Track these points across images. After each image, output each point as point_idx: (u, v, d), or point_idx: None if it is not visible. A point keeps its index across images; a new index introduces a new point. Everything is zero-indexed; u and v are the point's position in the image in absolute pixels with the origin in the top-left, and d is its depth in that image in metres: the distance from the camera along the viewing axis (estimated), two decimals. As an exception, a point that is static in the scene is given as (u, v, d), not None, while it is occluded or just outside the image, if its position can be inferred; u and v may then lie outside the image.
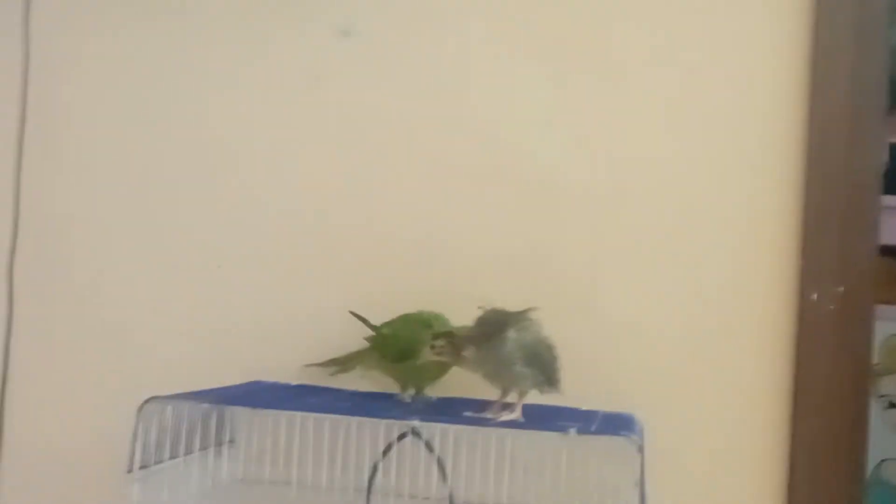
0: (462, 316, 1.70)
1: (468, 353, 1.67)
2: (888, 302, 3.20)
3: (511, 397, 1.69)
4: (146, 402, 1.60)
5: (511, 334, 1.65)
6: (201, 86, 2.03)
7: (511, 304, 1.68)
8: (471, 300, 1.68)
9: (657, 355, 1.89)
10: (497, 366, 1.66)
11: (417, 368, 1.77)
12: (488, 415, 1.65)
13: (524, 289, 1.87)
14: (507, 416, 1.64)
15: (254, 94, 2.01)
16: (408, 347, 1.75)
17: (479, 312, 1.68)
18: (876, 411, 3.19)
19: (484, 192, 1.94)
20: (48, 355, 2.04)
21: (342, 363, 1.86)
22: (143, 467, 1.60)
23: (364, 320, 1.83)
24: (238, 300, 1.99)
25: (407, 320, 1.81)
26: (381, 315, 1.85)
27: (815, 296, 1.84)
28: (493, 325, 1.66)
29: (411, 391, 1.80)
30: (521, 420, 1.64)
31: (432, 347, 1.69)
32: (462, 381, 1.75)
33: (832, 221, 1.84)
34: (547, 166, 1.93)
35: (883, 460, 3.24)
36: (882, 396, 3.24)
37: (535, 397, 1.69)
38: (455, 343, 1.69)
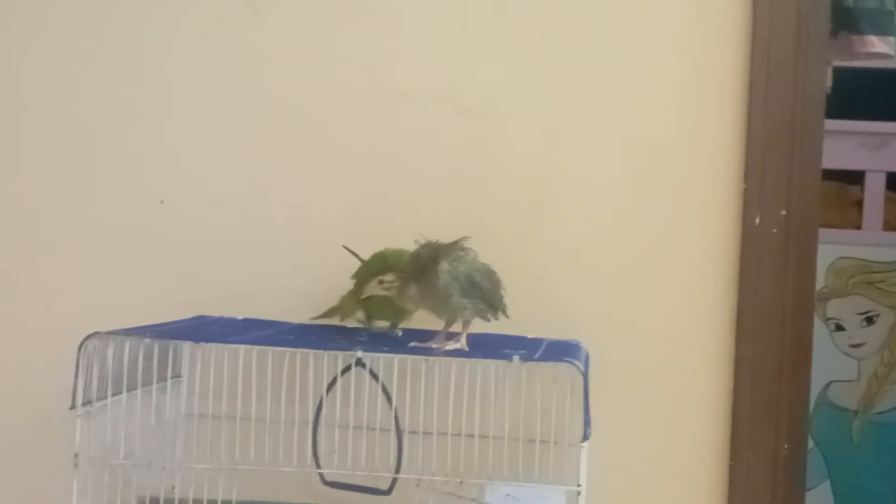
0: (407, 243, 1.69)
1: (410, 289, 1.66)
2: (835, 225, 3.23)
3: (456, 327, 1.69)
4: (87, 337, 1.59)
5: (444, 266, 1.64)
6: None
7: (454, 232, 1.67)
8: (413, 229, 1.67)
9: (601, 281, 1.89)
10: (435, 299, 1.66)
11: (379, 305, 1.76)
12: (433, 345, 1.65)
13: (468, 216, 1.86)
14: (451, 346, 1.64)
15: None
16: (362, 284, 1.74)
17: (415, 246, 1.68)
18: (824, 334, 3.23)
19: (430, 115, 1.92)
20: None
21: (340, 309, 1.84)
22: (86, 404, 1.59)
23: (356, 255, 1.81)
24: (181, 235, 1.97)
25: (373, 258, 1.80)
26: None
27: (757, 219, 1.84)
28: (426, 259, 1.66)
29: (384, 327, 1.80)
30: (465, 349, 1.64)
31: (380, 283, 1.68)
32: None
33: (776, 145, 1.84)
34: (491, 91, 1.91)
35: (830, 382, 3.28)
36: (829, 319, 3.27)
37: (481, 326, 1.70)
38: (404, 278, 1.67)
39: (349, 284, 1.82)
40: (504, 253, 1.75)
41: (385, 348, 1.63)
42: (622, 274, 1.89)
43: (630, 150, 1.89)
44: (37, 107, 2.02)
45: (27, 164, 2.01)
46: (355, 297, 1.79)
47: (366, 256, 1.81)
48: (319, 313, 1.85)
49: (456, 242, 1.67)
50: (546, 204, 1.90)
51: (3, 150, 2.02)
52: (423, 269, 1.65)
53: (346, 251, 1.81)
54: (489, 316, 1.69)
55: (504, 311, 1.70)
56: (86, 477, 1.60)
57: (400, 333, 1.78)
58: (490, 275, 1.69)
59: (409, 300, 1.68)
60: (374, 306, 1.79)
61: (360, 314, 1.82)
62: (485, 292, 1.67)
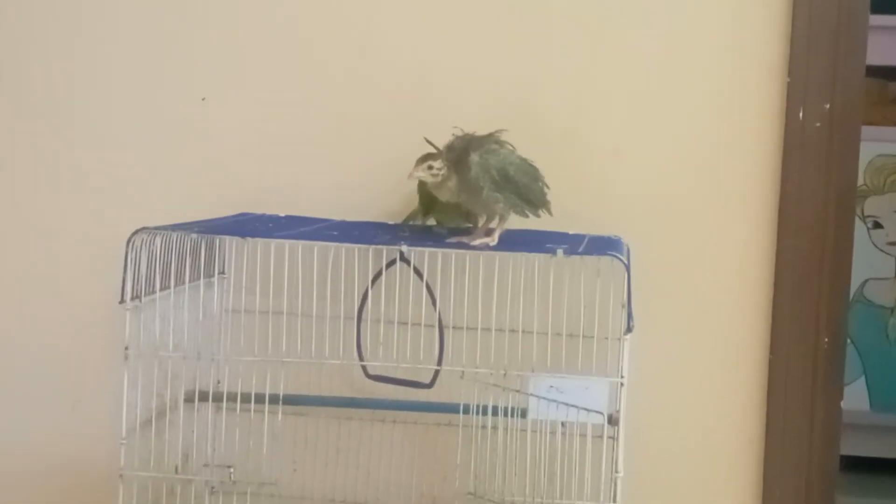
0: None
1: (450, 179, 1.65)
2: (874, 123, 3.19)
3: (494, 222, 1.69)
4: (135, 233, 1.61)
5: (474, 158, 1.62)
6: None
7: (498, 127, 1.67)
8: (457, 124, 1.67)
9: (644, 178, 1.89)
10: (469, 192, 1.64)
11: (445, 209, 1.76)
12: (466, 240, 1.66)
13: (509, 116, 1.85)
14: (480, 241, 1.65)
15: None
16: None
17: (450, 139, 1.66)
18: (861, 231, 3.21)
19: (470, 20, 1.91)
20: (36, 190, 2.03)
21: (419, 212, 1.84)
22: (134, 298, 1.62)
23: (433, 145, 1.73)
24: (224, 132, 1.98)
25: None
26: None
27: (801, 113, 1.83)
28: (460, 151, 1.64)
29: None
30: (493, 244, 1.64)
31: (430, 168, 1.64)
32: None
33: (820, 39, 1.82)
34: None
35: (867, 279, 3.27)
36: (867, 217, 3.26)
37: (523, 222, 1.70)
38: (449, 168, 1.65)
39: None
40: (548, 149, 1.75)
41: (428, 243, 1.64)
42: (664, 170, 1.89)
43: (675, 47, 1.88)
44: (85, 5, 2.01)
45: (70, 64, 2.02)
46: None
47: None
48: (363, 211, 1.86)
49: (490, 135, 1.66)
50: (591, 100, 1.90)
51: (52, 52, 2.02)
52: (456, 160, 1.64)
53: (427, 142, 1.73)
54: (526, 211, 1.68)
55: (546, 208, 1.69)
56: (136, 369, 1.63)
57: (445, 231, 1.77)
58: (528, 170, 1.68)
59: (447, 191, 1.66)
60: (441, 211, 1.78)
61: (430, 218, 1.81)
62: (520, 187, 1.66)
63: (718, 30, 1.86)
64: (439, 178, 1.64)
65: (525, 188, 1.67)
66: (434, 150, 1.67)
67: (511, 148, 1.67)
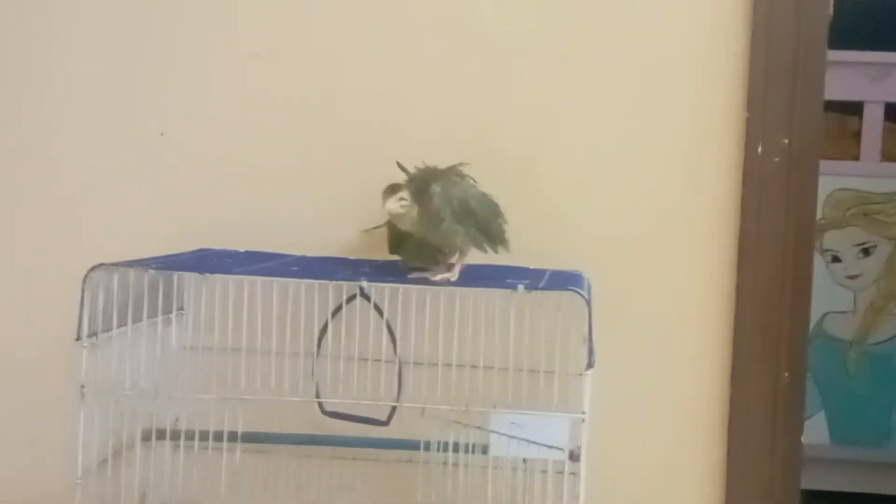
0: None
1: (412, 210, 1.63)
2: (833, 157, 3.22)
3: (454, 257, 1.69)
4: (92, 269, 1.59)
5: (435, 188, 1.61)
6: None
7: (459, 161, 1.67)
8: (416, 158, 1.67)
9: (604, 212, 1.90)
10: (429, 223, 1.62)
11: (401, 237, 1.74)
12: (427, 275, 1.65)
13: (470, 150, 1.85)
14: (441, 276, 1.64)
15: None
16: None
17: (413, 170, 1.66)
18: (820, 265, 3.23)
19: (438, 45, 1.92)
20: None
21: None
22: (91, 335, 1.60)
23: (405, 170, 1.71)
24: (183, 167, 1.96)
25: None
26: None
27: (760, 148, 1.84)
28: (421, 182, 1.63)
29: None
30: (454, 279, 1.63)
31: (400, 199, 1.61)
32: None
33: (778, 73, 1.83)
34: (494, 24, 1.90)
35: (826, 313, 3.29)
36: (825, 251, 3.28)
37: (483, 257, 1.70)
38: (413, 200, 1.63)
39: (351, 216, 1.82)
40: (508, 183, 1.75)
41: (389, 279, 1.64)
42: (624, 205, 1.89)
43: (634, 81, 1.89)
44: (41, 43, 2.00)
45: (28, 100, 2.00)
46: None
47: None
48: (323, 246, 1.85)
49: (452, 168, 1.65)
50: (551, 135, 1.90)
51: (8, 86, 2.00)
52: (418, 191, 1.62)
53: (399, 167, 1.70)
54: (486, 246, 1.67)
55: (504, 245, 1.68)
56: (92, 408, 1.61)
57: (406, 267, 1.76)
58: (489, 204, 1.67)
59: (408, 221, 1.63)
60: (406, 250, 1.75)
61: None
62: (480, 220, 1.65)
63: (678, 66, 1.87)
64: (405, 209, 1.62)
65: (485, 222, 1.66)
66: (399, 181, 1.65)
67: (473, 182, 1.67)
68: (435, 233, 1.65)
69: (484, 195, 1.67)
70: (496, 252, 1.68)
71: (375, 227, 1.81)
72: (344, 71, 1.93)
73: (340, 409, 1.69)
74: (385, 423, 1.68)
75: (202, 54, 1.96)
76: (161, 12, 1.97)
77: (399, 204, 1.62)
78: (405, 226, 1.65)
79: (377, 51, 1.93)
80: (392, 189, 1.62)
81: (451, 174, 1.65)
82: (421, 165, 1.66)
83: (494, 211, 1.68)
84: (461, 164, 1.66)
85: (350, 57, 1.93)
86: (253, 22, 1.95)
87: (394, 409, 1.67)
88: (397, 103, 1.93)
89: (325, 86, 1.94)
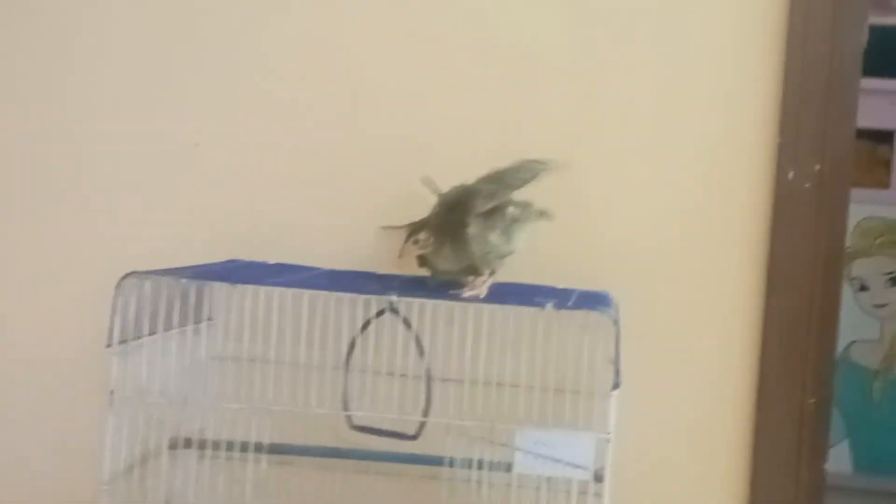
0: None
1: (444, 249, 1.64)
2: (863, 185, 3.22)
3: (485, 275, 1.69)
4: (124, 277, 1.60)
5: (472, 232, 1.62)
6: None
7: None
8: (445, 176, 1.68)
9: (633, 234, 1.90)
10: (463, 259, 1.65)
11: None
12: (456, 291, 1.65)
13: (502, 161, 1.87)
14: (470, 293, 1.65)
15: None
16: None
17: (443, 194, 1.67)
18: (847, 293, 3.23)
19: (461, 69, 1.93)
20: (28, 231, 2.03)
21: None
22: (122, 342, 1.61)
23: (431, 186, 1.74)
24: (216, 178, 1.98)
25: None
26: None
27: (791, 174, 1.84)
28: (449, 215, 1.64)
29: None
30: (483, 296, 1.64)
31: (415, 243, 1.66)
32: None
33: (811, 99, 1.84)
34: (526, 43, 1.91)
35: (853, 342, 3.28)
36: (853, 279, 3.27)
37: (511, 276, 1.70)
38: (437, 238, 1.65)
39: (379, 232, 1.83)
40: (538, 202, 1.75)
41: (418, 294, 1.64)
42: (653, 226, 1.90)
43: (666, 104, 1.89)
44: (79, 48, 2.02)
45: (63, 109, 2.02)
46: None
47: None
48: (353, 259, 1.86)
49: (481, 193, 1.65)
50: (580, 156, 1.90)
51: (46, 94, 2.03)
52: (450, 227, 1.63)
53: (425, 184, 1.75)
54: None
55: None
56: (121, 414, 1.62)
57: (436, 282, 1.76)
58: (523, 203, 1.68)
59: (443, 260, 1.66)
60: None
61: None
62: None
63: (712, 88, 1.88)
64: (428, 249, 1.64)
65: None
66: (422, 218, 1.67)
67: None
68: (477, 264, 1.66)
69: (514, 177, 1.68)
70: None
71: (396, 227, 1.81)
72: (374, 82, 1.95)
73: (367, 423, 1.69)
74: (414, 438, 1.68)
75: (235, 67, 1.98)
76: (196, 25, 1.99)
77: (416, 247, 1.65)
78: (442, 265, 1.67)
79: (406, 60, 1.94)
80: (410, 233, 1.65)
81: (484, 201, 1.65)
82: (445, 186, 1.67)
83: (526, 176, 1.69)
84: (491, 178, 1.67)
85: (380, 67, 1.94)
86: (284, 35, 1.96)
87: (423, 423, 1.67)
88: (427, 117, 1.94)
89: (356, 97, 1.95)
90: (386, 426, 1.68)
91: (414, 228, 1.67)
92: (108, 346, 1.61)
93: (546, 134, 1.92)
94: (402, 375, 1.71)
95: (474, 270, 1.69)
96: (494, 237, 1.64)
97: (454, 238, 1.63)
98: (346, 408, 1.70)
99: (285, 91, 1.97)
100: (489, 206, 1.64)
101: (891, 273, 3.28)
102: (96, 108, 2.02)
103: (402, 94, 1.94)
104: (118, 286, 1.60)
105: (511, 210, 1.67)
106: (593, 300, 1.68)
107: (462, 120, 1.93)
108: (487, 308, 1.62)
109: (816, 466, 1.88)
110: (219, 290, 1.74)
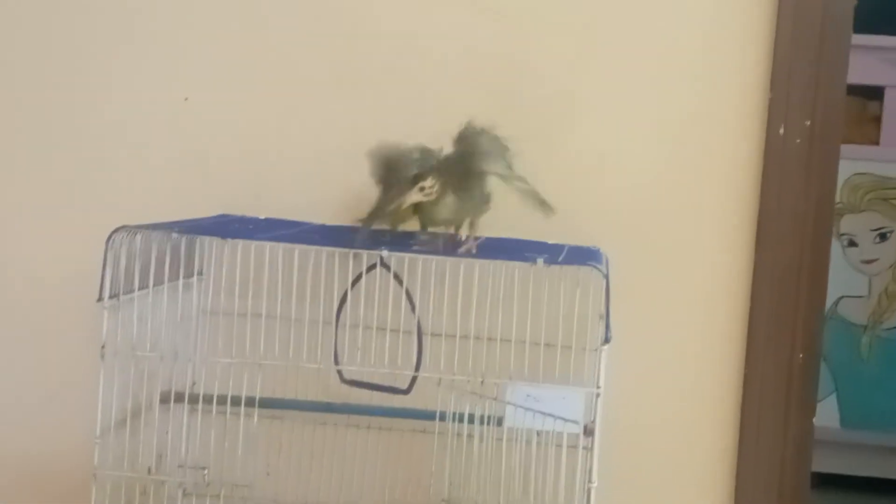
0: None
1: (447, 196, 1.64)
2: (852, 141, 3.22)
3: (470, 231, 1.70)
4: (115, 231, 1.60)
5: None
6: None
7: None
8: (438, 134, 1.67)
9: (624, 190, 1.90)
10: (475, 210, 1.67)
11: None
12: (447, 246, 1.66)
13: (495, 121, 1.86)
14: (463, 248, 1.66)
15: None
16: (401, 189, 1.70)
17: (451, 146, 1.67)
18: (836, 249, 3.23)
19: (460, 18, 1.92)
20: (17, 187, 2.02)
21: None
22: (112, 296, 1.61)
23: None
24: (206, 132, 1.97)
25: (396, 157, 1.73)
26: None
27: (782, 129, 1.84)
28: (458, 166, 1.65)
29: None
30: (474, 252, 1.65)
31: (421, 189, 1.63)
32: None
33: (803, 55, 1.83)
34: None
35: (841, 297, 3.30)
36: (842, 235, 3.28)
37: (503, 231, 1.71)
38: (443, 184, 1.64)
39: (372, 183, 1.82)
40: (528, 161, 1.75)
41: (409, 249, 1.64)
42: (644, 181, 1.90)
43: (657, 62, 1.88)
44: (65, 5, 2.00)
45: (51, 63, 2.01)
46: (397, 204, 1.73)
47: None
48: (344, 215, 1.86)
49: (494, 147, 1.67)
50: (572, 111, 1.90)
51: (33, 49, 2.01)
52: (456, 179, 1.64)
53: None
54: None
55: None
56: (112, 368, 1.62)
57: (426, 237, 1.76)
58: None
59: (444, 209, 1.66)
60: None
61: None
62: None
63: (703, 45, 1.87)
64: (433, 197, 1.63)
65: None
66: (422, 168, 1.65)
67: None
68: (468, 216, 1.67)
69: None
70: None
71: (373, 218, 1.76)
72: (368, 27, 1.94)
73: (358, 378, 1.70)
74: (406, 392, 1.69)
75: (226, 20, 1.96)
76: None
77: (422, 194, 1.63)
78: (442, 213, 1.67)
79: (394, 19, 1.93)
80: (415, 179, 1.63)
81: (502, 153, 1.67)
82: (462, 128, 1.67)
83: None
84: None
85: (373, 10, 1.94)
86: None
87: (414, 378, 1.67)
88: (423, 62, 1.93)
89: (349, 46, 1.94)
90: (377, 381, 1.69)
91: (418, 176, 1.65)
92: (99, 300, 1.61)
93: (537, 91, 1.91)
94: (394, 330, 1.71)
95: (460, 225, 1.69)
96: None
97: (461, 188, 1.64)
98: (337, 362, 1.71)
99: (276, 44, 1.96)
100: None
101: (879, 229, 3.28)
102: (83, 63, 2.00)
103: (397, 38, 1.93)
104: (109, 240, 1.60)
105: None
106: (584, 255, 1.69)
107: (455, 76, 1.92)
108: (478, 263, 1.62)
109: (804, 421, 1.89)
110: (210, 244, 1.74)
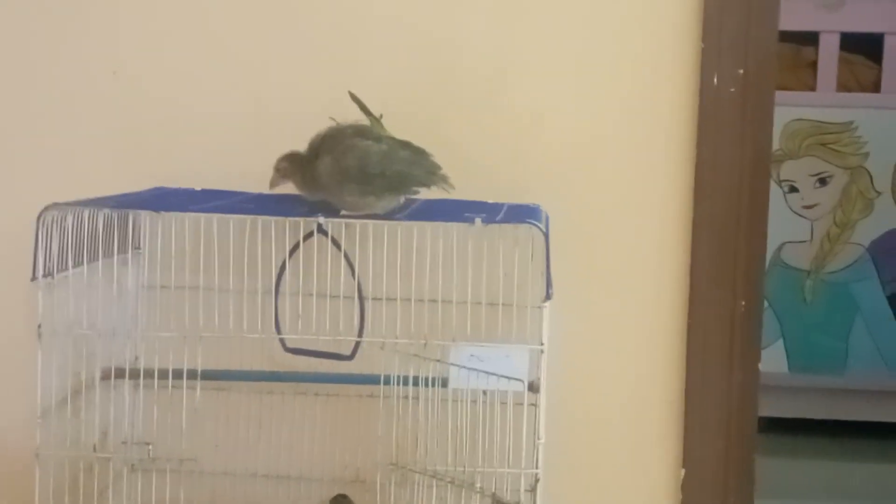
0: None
1: (296, 178, 1.67)
2: (789, 87, 3.24)
3: None
4: (46, 208, 1.58)
5: (324, 163, 1.61)
6: None
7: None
8: (374, 99, 1.66)
9: (561, 145, 1.89)
10: (325, 193, 1.65)
11: None
12: None
13: (426, 81, 1.85)
14: None
15: None
16: None
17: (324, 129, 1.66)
18: (777, 196, 3.26)
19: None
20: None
21: None
22: (46, 275, 1.59)
23: (359, 102, 1.71)
24: (137, 106, 1.94)
25: None
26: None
27: (715, 78, 1.84)
28: (313, 150, 1.65)
29: None
30: None
31: (278, 171, 1.67)
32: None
33: (733, 3, 1.83)
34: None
35: (784, 243, 3.32)
36: (783, 181, 3.30)
37: (442, 192, 1.70)
38: (293, 164, 1.67)
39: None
40: (466, 120, 1.75)
41: (346, 214, 1.63)
42: (580, 136, 1.89)
43: (589, 14, 1.87)
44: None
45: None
46: None
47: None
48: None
49: (348, 128, 1.65)
50: (508, 67, 1.89)
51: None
52: (308, 162, 1.64)
53: (352, 98, 1.71)
54: (414, 189, 1.67)
55: (440, 184, 1.65)
56: (50, 348, 1.61)
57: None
58: (401, 155, 1.64)
59: (303, 188, 1.67)
60: None
61: None
62: (390, 177, 1.62)
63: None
64: (285, 174, 1.67)
65: (399, 176, 1.63)
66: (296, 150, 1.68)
67: (377, 136, 1.65)
68: (343, 202, 1.64)
69: (392, 147, 1.64)
70: (441, 189, 1.67)
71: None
72: (294, 10, 1.91)
73: (301, 346, 1.69)
74: (349, 358, 1.68)
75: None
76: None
77: (278, 175, 1.67)
78: (302, 191, 1.68)
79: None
80: (278, 161, 1.67)
81: (345, 137, 1.63)
82: (333, 123, 1.66)
83: (411, 159, 1.65)
84: (370, 117, 1.66)
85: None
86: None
87: (357, 343, 1.67)
88: (355, 34, 1.91)
89: (279, 18, 1.92)
90: (321, 348, 1.68)
91: (282, 157, 1.68)
92: (33, 279, 1.59)
93: (474, 48, 1.90)
94: (335, 297, 1.70)
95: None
96: (352, 162, 1.62)
97: (308, 168, 1.65)
98: (279, 331, 1.70)
99: (204, 15, 1.93)
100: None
101: (819, 174, 3.30)
102: (7, 39, 1.96)
103: (327, 9, 1.91)
104: (39, 218, 1.57)
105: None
106: (523, 213, 1.68)
107: (391, 37, 1.90)
108: (417, 225, 1.62)
109: (749, 367, 1.90)
110: (144, 218, 1.72)
